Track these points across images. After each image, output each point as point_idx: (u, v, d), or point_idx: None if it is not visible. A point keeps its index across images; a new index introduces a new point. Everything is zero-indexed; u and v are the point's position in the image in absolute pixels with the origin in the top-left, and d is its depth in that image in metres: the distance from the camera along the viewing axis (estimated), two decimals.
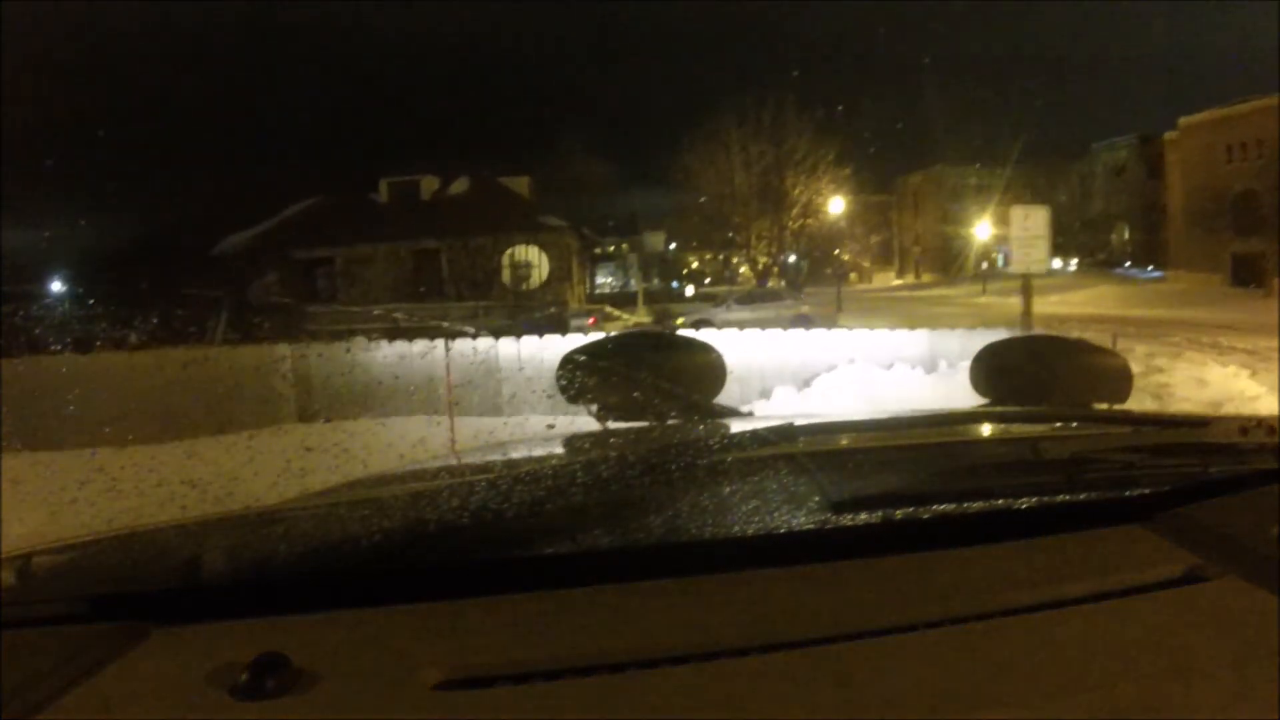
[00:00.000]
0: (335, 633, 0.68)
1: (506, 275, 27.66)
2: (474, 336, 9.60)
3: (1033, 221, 11.35)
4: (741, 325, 11.36)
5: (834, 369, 9.59)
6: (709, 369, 1.55)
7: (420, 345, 9.18)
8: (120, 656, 0.65)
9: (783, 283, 33.21)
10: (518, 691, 0.61)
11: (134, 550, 0.94)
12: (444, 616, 0.72)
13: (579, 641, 0.68)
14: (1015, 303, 29.39)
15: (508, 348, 9.46)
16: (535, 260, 27.92)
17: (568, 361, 1.49)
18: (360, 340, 9.99)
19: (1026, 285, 11.66)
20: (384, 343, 9.58)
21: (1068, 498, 0.92)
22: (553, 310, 22.48)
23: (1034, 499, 0.90)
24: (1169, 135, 39.70)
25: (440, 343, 9.21)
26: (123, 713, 0.60)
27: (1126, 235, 44.92)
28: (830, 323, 20.43)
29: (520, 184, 31.16)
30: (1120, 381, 1.52)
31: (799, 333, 10.42)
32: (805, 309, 22.76)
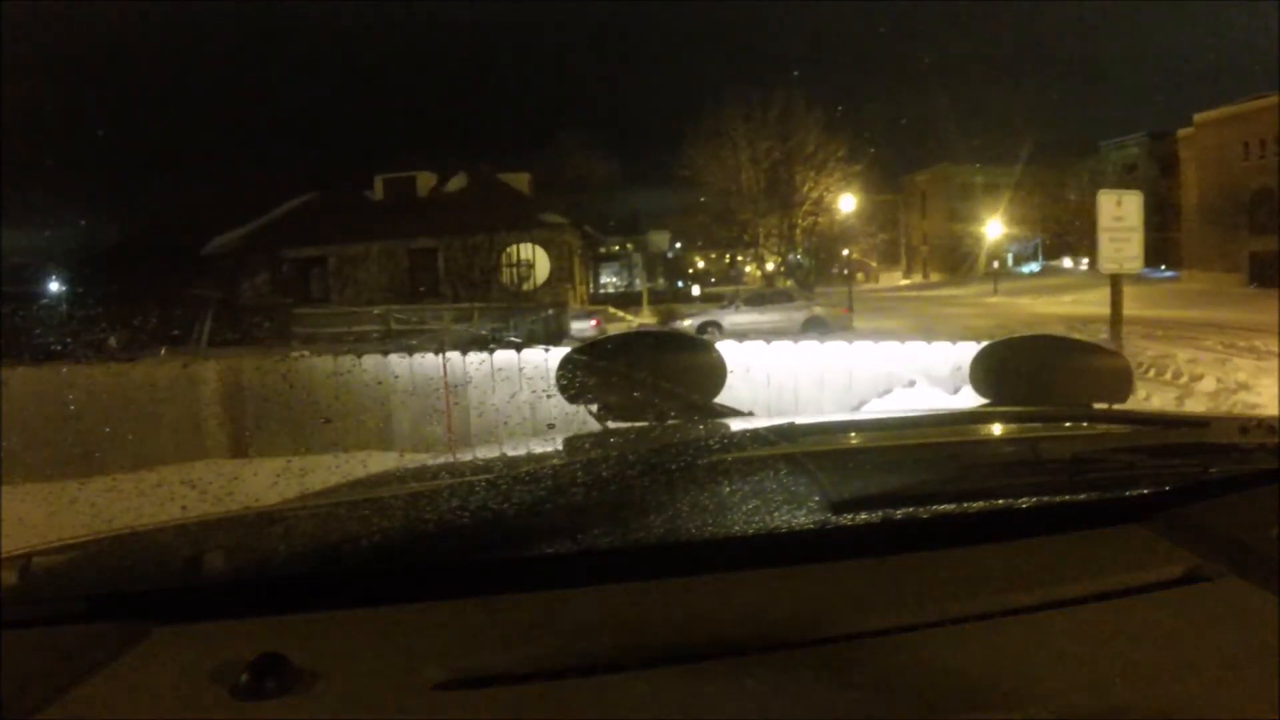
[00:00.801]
0: (335, 633, 0.69)
1: (505, 275, 26.82)
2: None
3: (1125, 210, 9.09)
4: (767, 337, 9.06)
5: (887, 394, 7.52)
6: (709, 369, 1.54)
7: (373, 360, 7.44)
8: (120, 656, 0.66)
9: (790, 282, 32.89)
10: (518, 691, 0.61)
11: (134, 550, 0.94)
12: (444, 616, 0.72)
13: (579, 641, 0.68)
14: (1027, 303, 29.33)
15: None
16: (535, 259, 27.18)
17: (568, 361, 1.50)
18: (301, 354, 8.34)
19: (1116, 288, 9.22)
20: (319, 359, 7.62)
21: (1068, 498, 0.92)
22: (550, 312, 21.47)
23: (1034, 499, 0.90)
24: (1183, 132, 39.16)
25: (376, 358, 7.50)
26: (123, 713, 0.60)
27: None
28: (844, 325, 20.06)
29: (520, 180, 30.55)
30: (1120, 381, 1.51)
31: (840, 345, 8.23)
32: (818, 310, 22.50)
